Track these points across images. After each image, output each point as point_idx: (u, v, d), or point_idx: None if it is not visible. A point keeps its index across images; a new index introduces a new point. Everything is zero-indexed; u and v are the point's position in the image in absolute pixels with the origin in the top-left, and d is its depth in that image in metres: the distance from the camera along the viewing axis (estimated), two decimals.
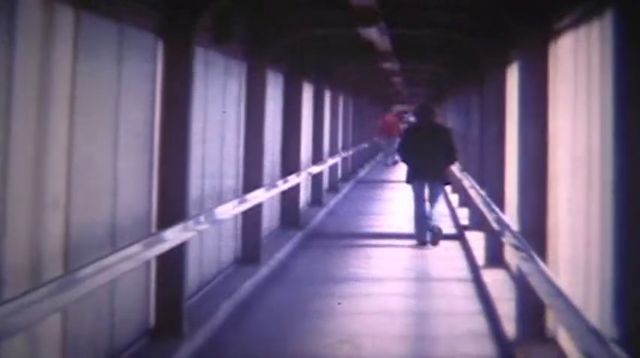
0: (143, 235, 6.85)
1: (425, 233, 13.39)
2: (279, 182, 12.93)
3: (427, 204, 13.49)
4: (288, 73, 14.89)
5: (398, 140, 19.73)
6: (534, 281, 6.02)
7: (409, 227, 14.30)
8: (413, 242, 13.60)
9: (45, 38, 5.44)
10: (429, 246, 13.34)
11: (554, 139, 7.52)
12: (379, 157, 34.64)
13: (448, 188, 19.51)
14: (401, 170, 15.87)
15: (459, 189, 17.65)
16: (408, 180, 13.72)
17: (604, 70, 5.84)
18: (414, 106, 40.36)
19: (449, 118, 25.03)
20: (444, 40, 13.76)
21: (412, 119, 38.83)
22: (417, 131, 13.88)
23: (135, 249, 6.03)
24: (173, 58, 7.65)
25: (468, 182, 13.48)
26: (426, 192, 13.54)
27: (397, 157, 30.69)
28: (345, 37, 13.78)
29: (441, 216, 13.92)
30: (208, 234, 9.32)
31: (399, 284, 10.77)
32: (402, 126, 31.39)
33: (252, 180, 11.24)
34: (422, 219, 13.43)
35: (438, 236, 13.47)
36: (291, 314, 8.94)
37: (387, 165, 32.75)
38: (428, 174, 13.44)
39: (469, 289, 10.31)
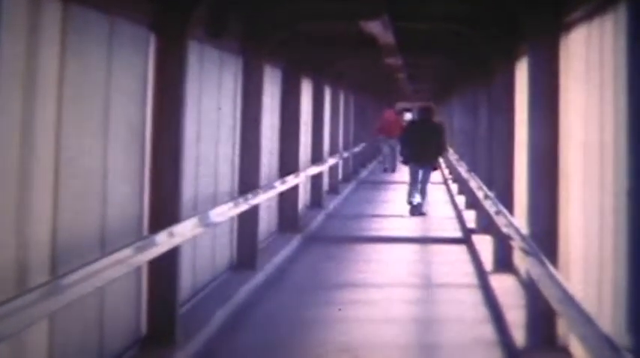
0: (134, 239, 6.79)
1: (413, 202, 17.57)
2: (277, 183, 12.87)
3: (419, 184, 17.77)
4: (287, 69, 14.81)
5: (398, 142, 20.40)
6: (545, 287, 5.97)
7: (412, 230, 15.60)
8: (417, 246, 14.11)
9: (31, 31, 5.33)
10: (412, 215, 17.53)
11: (566, 137, 7.49)
12: (381, 158, 34.19)
13: (454, 189, 22.47)
14: (404, 173, 16.81)
15: (466, 190, 17.58)
16: (405, 161, 17.98)
17: (618, 64, 5.80)
18: (417, 104, 40.83)
19: (455, 115, 24.91)
20: (450, 33, 13.73)
21: (413, 116, 39.06)
22: (416, 125, 18.27)
23: (125, 253, 5.98)
24: (166, 53, 7.61)
25: (474, 183, 13.36)
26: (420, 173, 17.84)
27: (398, 161, 30.23)
28: (347, 31, 13.71)
29: (430, 193, 18.50)
30: (202, 238, 9.24)
31: (403, 290, 10.70)
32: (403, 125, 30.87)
33: (248, 180, 11.17)
34: (412, 192, 17.71)
35: (416, 209, 17.70)
36: (289, 322, 8.86)
37: (385, 171, 31.28)
38: (421, 159, 17.59)
39: (476, 295, 10.23)
